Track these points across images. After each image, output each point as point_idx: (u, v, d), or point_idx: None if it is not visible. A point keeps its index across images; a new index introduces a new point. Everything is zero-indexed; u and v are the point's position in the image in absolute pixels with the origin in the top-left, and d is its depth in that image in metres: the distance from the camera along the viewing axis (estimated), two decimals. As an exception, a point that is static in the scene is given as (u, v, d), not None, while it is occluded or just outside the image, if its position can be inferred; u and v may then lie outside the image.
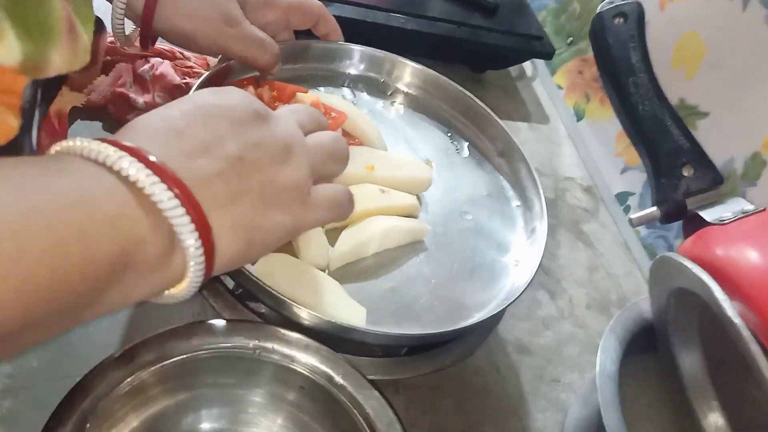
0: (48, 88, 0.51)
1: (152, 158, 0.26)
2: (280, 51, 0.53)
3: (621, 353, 0.47)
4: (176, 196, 0.26)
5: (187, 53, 0.59)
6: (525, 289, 0.45)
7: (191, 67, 0.58)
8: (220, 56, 0.55)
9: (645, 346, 0.50)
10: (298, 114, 0.36)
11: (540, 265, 0.48)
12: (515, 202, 0.54)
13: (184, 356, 0.38)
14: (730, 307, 0.36)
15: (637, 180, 0.68)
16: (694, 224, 0.44)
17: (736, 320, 0.35)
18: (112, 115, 0.54)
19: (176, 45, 0.54)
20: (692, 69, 0.63)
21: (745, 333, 0.35)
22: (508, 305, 0.45)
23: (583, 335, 0.58)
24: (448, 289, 0.46)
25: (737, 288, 0.37)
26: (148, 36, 0.49)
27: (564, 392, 0.53)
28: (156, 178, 0.25)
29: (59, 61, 0.32)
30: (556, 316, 0.59)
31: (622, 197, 0.69)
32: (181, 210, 0.26)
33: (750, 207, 0.41)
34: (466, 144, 0.57)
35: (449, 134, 0.57)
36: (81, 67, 0.35)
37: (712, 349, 0.46)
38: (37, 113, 0.49)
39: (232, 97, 0.32)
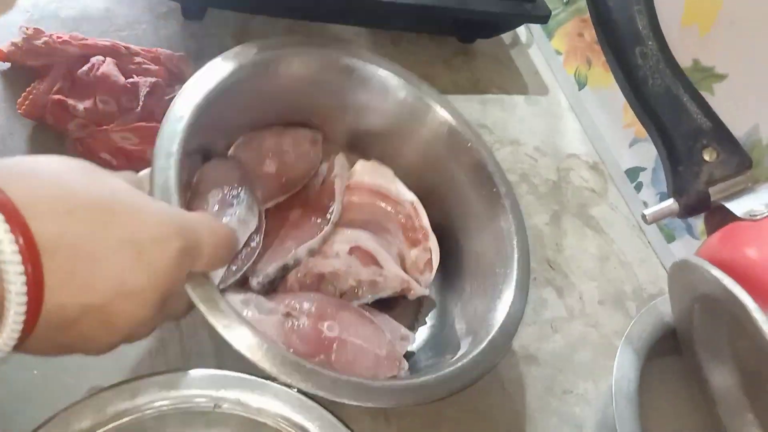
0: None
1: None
2: None
3: (639, 365, 0.42)
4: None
5: (134, 47, 0.53)
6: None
7: (139, 63, 0.52)
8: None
9: (667, 350, 0.44)
10: None
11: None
12: None
13: (128, 418, 0.33)
14: (765, 321, 0.30)
15: (648, 153, 0.61)
16: (719, 218, 0.38)
17: (778, 343, 0.29)
18: (51, 126, 0.48)
19: None
20: (706, 25, 0.55)
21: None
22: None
23: (597, 336, 0.52)
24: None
25: (776, 301, 0.31)
26: None
27: (578, 405, 0.48)
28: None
29: None
30: (566, 316, 0.53)
31: (632, 173, 0.63)
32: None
33: (787, 197, 0.34)
34: None
35: None
36: None
37: (745, 359, 0.40)
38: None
39: None
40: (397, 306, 0.49)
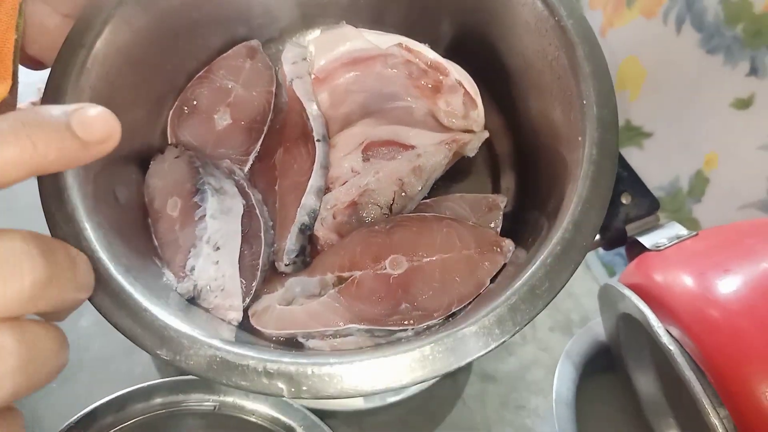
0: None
1: None
2: None
3: (577, 378, 0.49)
4: None
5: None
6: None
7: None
8: None
9: (603, 367, 0.51)
10: None
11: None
12: None
13: (143, 417, 0.39)
14: (664, 334, 0.37)
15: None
16: (635, 250, 0.45)
17: (671, 346, 0.37)
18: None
19: None
20: (635, 91, 0.65)
21: (680, 359, 0.36)
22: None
23: (547, 358, 0.59)
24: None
25: (673, 313, 0.38)
26: None
27: (529, 418, 0.55)
28: None
29: None
30: (519, 341, 0.60)
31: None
32: None
33: (684, 232, 0.43)
34: None
35: None
36: None
37: (663, 368, 0.48)
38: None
39: None
40: (468, 177, 0.41)
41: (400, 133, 0.37)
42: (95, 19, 0.36)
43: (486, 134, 0.39)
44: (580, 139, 0.35)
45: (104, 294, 0.30)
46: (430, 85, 0.38)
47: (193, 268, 0.34)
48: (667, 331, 0.38)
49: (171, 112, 0.42)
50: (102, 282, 0.30)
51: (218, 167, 0.37)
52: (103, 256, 0.30)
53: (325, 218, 0.37)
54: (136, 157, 0.39)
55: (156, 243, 0.36)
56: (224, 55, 0.43)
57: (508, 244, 0.36)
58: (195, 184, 0.35)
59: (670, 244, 0.42)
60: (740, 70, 0.53)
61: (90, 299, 0.30)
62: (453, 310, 0.34)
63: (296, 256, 0.37)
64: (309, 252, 0.37)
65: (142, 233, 0.37)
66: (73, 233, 0.30)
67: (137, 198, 0.38)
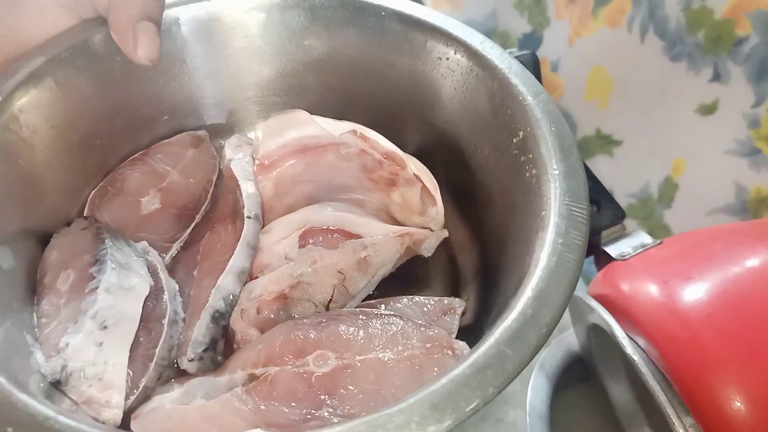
0: None
1: None
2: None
3: (551, 389, 0.49)
4: None
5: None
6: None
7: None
8: None
9: (577, 377, 0.51)
10: None
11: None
12: None
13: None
14: (629, 344, 0.38)
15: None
16: (603, 259, 0.46)
17: (636, 356, 0.37)
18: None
19: None
20: (604, 100, 0.65)
21: (644, 369, 0.36)
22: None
23: (526, 370, 0.59)
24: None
25: (638, 323, 0.38)
26: None
27: (508, 431, 0.54)
28: None
29: None
30: (497, 353, 0.60)
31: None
32: None
33: (648, 240, 0.43)
34: None
35: None
36: None
37: (635, 377, 0.48)
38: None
39: None
40: (427, 286, 0.37)
41: (347, 220, 0.32)
42: (19, 70, 0.34)
43: (445, 233, 0.36)
44: (543, 213, 0.32)
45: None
46: (384, 178, 0.34)
47: (67, 345, 0.27)
48: (633, 340, 0.38)
49: (93, 192, 0.38)
50: None
51: (130, 245, 0.32)
52: None
53: (247, 310, 0.30)
54: (41, 232, 0.34)
55: (35, 321, 0.30)
56: (166, 141, 0.40)
57: (462, 346, 0.30)
58: (95, 254, 0.29)
59: (635, 253, 0.42)
60: (703, 77, 0.53)
61: None
62: None
63: (204, 351, 0.29)
64: (221, 350, 0.30)
65: (23, 307, 0.31)
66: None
67: (28, 274, 0.32)
